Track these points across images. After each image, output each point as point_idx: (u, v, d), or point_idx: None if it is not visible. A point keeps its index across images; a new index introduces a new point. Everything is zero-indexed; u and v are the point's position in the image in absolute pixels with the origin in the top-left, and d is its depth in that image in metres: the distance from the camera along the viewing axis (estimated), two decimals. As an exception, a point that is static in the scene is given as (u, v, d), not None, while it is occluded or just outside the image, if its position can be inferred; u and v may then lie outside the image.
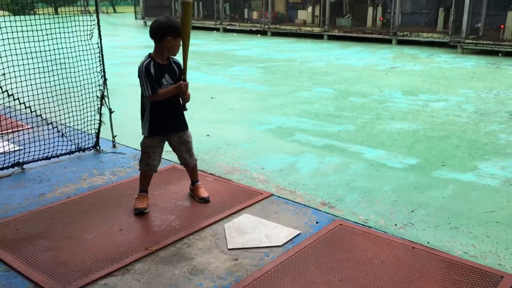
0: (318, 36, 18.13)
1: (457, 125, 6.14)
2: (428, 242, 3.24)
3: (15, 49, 4.77)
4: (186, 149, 3.73)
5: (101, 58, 4.95)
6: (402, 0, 16.69)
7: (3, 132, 5.13)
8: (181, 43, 3.46)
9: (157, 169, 3.71)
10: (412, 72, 10.44)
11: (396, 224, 3.48)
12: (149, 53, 3.48)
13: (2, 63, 4.60)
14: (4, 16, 5.25)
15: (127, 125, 5.99)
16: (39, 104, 4.85)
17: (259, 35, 19.68)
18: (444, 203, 3.84)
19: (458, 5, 13.99)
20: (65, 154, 4.82)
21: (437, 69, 10.80)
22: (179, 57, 3.59)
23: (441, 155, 4.98)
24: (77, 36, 5.01)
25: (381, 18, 17.58)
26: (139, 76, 3.42)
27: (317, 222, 3.51)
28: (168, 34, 3.38)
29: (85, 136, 5.08)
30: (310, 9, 19.59)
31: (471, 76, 9.87)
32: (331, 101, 7.56)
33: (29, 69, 4.92)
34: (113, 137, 5.19)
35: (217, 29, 21.60)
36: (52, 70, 5.08)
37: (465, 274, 2.85)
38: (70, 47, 5.06)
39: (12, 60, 4.77)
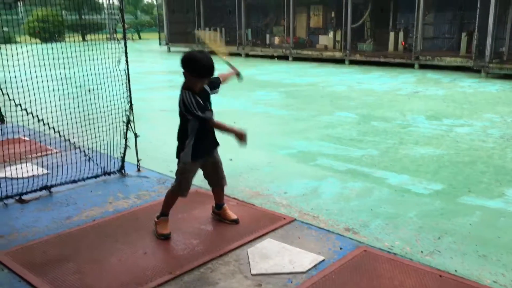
0: (339, 61, 18.22)
1: (482, 150, 6.05)
2: (456, 270, 3.17)
3: (46, 75, 4.94)
4: (219, 169, 3.78)
5: (128, 84, 5.08)
6: (424, 25, 16.70)
7: (32, 156, 5.28)
8: (201, 84, 3.41)
9: None
10: (435, 96, 10.37)
11: (422, 251, 3.43)
12: (183, 86, 3.46)
13: (33, 89, 4.76)
14: (37, 43, 5.46)
15: (152, 149, 6.09)
16: (68, 129, 4.98)
17: (276, 58, 19.89)
18: (471, 230, 3.77)
19: (481, 29, 13.93)
20: (91, 177, 4.91)
21: (460, 94, 10.71)
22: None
23: (467, 181, 4.90)
24: (104, 62, 5.16)
25: (403, 43, 17.60)
26: (185, 111, 3.38)
27: (341, 248, 3.47)
28: (185, 68, 3.39)
29: (111, 160, 5.18)
30: (331, 34, 19.76)
31: (496, 101, 9.74)
32: (353, 125, 7.55)
33: (58, 94, 5.08)
34: (138, 161, 5.28)
35: (239, 54, 21.92)
36: (80, 96, 5.23)
37: (495, 304, 2.78)
38: (98, 73, 5.21)
39: (43, 86, 4.94)
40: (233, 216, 3.91)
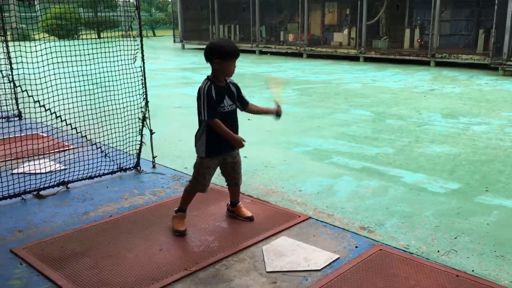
0: (354, 58, 18.11)
1: (500, 149, 5.96)
2: (472, 270, 3.14)
3: (64, 72, 5.00)
4: (238, 169, 3.81)
5: (143, 80, 5.11)
6: (440, 22, 16.50)
7: (50, 152, 5.35)
8: (233, 64, 3.49)
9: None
10: (452, 94, 10.25)
11: (438, 251, 3.40)
12: (208, 76, 3.53)
13: (52, 86, 4.82)
14: (54, 41, 5.51)
15: (167, 146, 6.13)
16: (84, 125, 5.03)
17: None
18: (488, 230, 3.72)
19: (499, 26, 13.72)
20: (107, 174, 4.96)
21: (477, 92, 10.57)
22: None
23: (484, 180, 4.84)
24: (120, 60, 5.20)
25: (419, 40, 17.41)
26: (198, 99, 3.48)
27: (356, 247, 3.46)
28: (215, 57, 3.45)
29: (126, 157, 5.22)
30: (346, 31, 19.65)
31: (514, 99, 9.60)
32: (368, 123, 7.50)
33: (75, 91, 5.13)
34: (153, 157, 5.31)
35: (253, 51, 21.91)
36: (97, 93, 5.28)
37: (513, 305, 2.74)
38: (114, 70, 5.25)
39: (60, 83, 4.99)
40: (248, 213, 3.92)
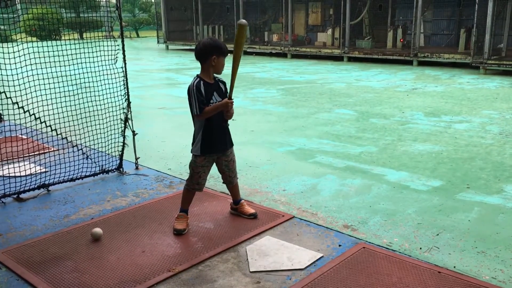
0: (338, 58, 18.20)
1: (481, 146, 6.04)
2: (454, 267, 3.17)
3: (43, 73, 4.92)
4: (232, 167, 3.84)
5: (125, 81, 5.06)
6: (422, 22, 16.67)
7: (30, 154, 5.26)
8: (224, 61, 3.59)
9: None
10: (434, 93, 10.36)
11: (421, 248, 3.42)
12: (197, 74, 3.59)
13: (30, 87, 4.74)
14: (32, 41, 5.43)
15: (150, 147, 6.08)
16: (65, 127, 4.97)
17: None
18: (470, 226, 3.77)
19: (479, 26, 13.91)
20: (89, 176, 4.90)
21: (459, 90, 10.70)
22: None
23: (466, 177, 4.90)
24: (101, 60, 5.14)
25: (402, 40, 17.58)
26: (188, 97, 3.52)
27: (339, 245, 3.47)
28: (213, 54, 3.50)
29: (108, 158, 5.16)
30: (330, 31, 19.75)
31: (494, 97, 9.74)
32: (352, 122, 7.54)
33: (55, 92, 5.06)
34: (136, 159, 5.26)
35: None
36: (78, 94, 5.22)
37: (493, 300, 2.77)
38: (95, 71, 5.19)
39: (40, 84, 4.92)
40: (251, 210, 3.95)
